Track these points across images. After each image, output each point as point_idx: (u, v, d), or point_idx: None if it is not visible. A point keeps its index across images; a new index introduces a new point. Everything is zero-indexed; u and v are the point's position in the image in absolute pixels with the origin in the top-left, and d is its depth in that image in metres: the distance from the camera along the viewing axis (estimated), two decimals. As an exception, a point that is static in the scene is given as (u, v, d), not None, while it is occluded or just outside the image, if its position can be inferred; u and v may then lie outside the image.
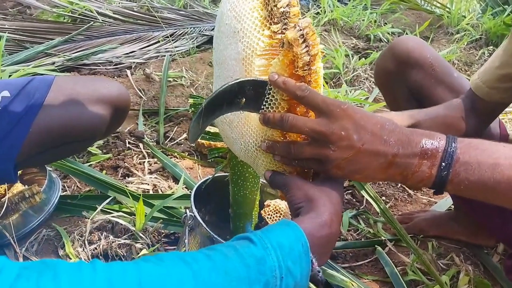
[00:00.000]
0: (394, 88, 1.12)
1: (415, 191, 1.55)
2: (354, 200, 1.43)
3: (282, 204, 0.91)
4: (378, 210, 0.97)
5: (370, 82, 2.26)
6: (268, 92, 0.60)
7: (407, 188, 1.55)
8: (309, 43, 0.56)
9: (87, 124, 0.88)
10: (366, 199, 1.45)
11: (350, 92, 2.01)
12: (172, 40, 2.35)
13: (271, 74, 0.57)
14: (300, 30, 0.56)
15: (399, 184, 1.57)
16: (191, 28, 2.50)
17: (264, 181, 0.97)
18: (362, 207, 1.40)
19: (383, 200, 1.48)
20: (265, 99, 0.60)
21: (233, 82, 0.59)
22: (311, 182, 0.59)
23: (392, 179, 0.56)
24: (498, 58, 0.91)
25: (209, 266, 0.46)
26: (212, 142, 1.37)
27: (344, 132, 0.53)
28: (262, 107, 0.60)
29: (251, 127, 0.63)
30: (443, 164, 0.52)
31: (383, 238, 1.21)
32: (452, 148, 0.53)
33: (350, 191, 1.47)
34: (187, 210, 0.81)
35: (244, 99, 0.59)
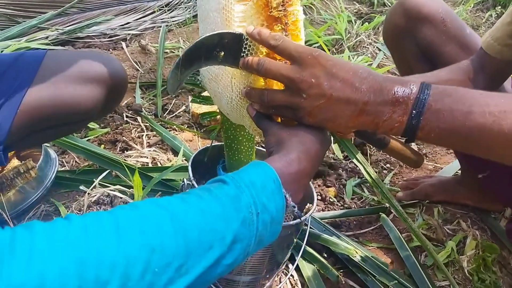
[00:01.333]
0: (403, 45, 1.07)
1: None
2: (358, 168, 1.40)
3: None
4: (368, 179, 0.94)
5: (373, 47, 2.19)
6: (246, 45, 0.60)
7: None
8: None
9: (80, 104, 0.82)
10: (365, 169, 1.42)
11: (353, 58, 1.95)
12: (168, 10, 2.28)
13: (247, 26, 0.58)
14: None
15: (404, 151, 1.54)
16: (187, -3, 2.42)
17: (258, 147, 0.95)
18: (366, 175, 1.37)
19: (387, 167, 1.45)
20: (244, 53, 0.60)
21: (211, 34, 0.58)
22: (288, 127, 0.59)
23: (364, 126, 0.55)
24: (509, 15, 0.86)
25: (185, 207, 0.46)
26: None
27: (315, 80, 0.53)
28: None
29: (235, 77, 0.64)
30: (413, 112, 0.51)
31: (387, 205, 1.19)
32: (425, 96, 0.51)
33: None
34: (185, 179, 0.79)
35: (222, 53, 0.59)
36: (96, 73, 0.85)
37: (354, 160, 0.95)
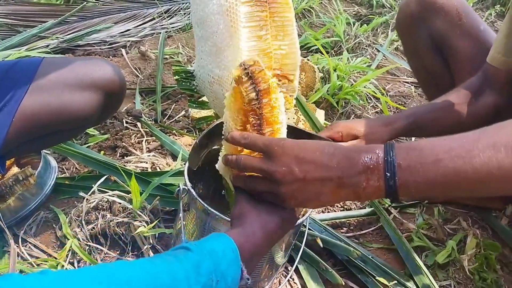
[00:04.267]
0: (416, 35, 1.08)
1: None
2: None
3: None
4: None
5: (372, 48, 2.19)
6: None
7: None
8: (256, 80, 0.60)
9: (77, 111, 0.82)
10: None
11: (352, 59, 1.95)
12: (168, 16, 2.30)
13: (224, 134, 0.66)
14: (245, 68, 0.60)
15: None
16: (186, 3, 2.43)
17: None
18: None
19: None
20: None
21: (220, 122, 0.69)
22: (254, 201, 0.63)
23: (346, 199, 0.58)
24: (505, 25, 0.87)
25: (152, 269, 0.48)
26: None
27: (286, 168, 0.56)
28: None
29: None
30: (387, 174, 0.52)
31: (386, 204, 1.19)
32: (392, 157, 0.52)
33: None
34: (180, 184, 0.79)
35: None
36: (93, 79, 0.85)
37: None
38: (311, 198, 0.56)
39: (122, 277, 0.45)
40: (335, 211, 1.21)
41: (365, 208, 1.22)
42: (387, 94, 1.85)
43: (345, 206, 1.23)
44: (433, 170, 0.51)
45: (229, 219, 0.76)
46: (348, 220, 1.17)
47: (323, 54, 1.82)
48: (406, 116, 0.92)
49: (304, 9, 2.48)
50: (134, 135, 1.45)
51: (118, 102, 0.96)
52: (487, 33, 1.01)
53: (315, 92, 1.65)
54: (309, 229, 1.00)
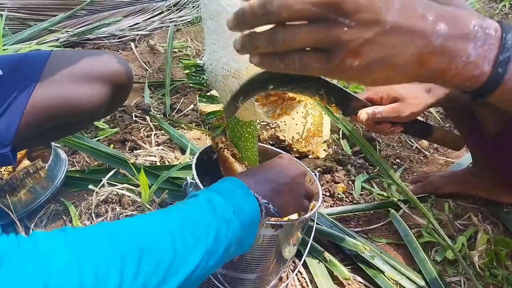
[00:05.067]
0: None
1: (431, 151, 1.49)
2: (367, 164, 1.39)
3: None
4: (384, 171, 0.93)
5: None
6: None
7: (422, 150, 1.50)
8: None
9: (86, 103, 0.83)
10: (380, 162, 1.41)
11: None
12: (176, 10, 2.29)
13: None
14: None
15: (414, 146, 1.52)
16: (195, -4, 2.43)
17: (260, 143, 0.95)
18: (375, 170, 1.36)
19: (397, 162, 1.43)
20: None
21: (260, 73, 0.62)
22: None
23: (430, 77, 0.39)
24: None
25: (165, 214, 0.50)
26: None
27: (365, 0, 0.35)
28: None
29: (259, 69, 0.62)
30: (500, 57, 0.38)
31: (395, 199, 1.18)
32: (510, 37, 0.38)
33: (362, 154, 1.42)
34: (188, 178, 0.79)
35: (271, 86, 0.63)
36: (101, 72, 0.85)
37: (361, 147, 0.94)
38: (383, 60, 0.37)
39: (138, 231, 0.45)
40: (343, 205, 1.20)
41: (374, 201, 1.21)
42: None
43: (354, 201, 1.22)
44: None
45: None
46: (356, 214, 1.17)
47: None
48: None
49: None
50: (143, 128, 1.45)
51: (126, 94, 0.96)
52: None
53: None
54: (317, 223, 1.00)
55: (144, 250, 0.43)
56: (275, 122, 1.41)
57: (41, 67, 0.81)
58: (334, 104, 0.73)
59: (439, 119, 1.67)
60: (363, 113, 0.79)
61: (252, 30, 0.39)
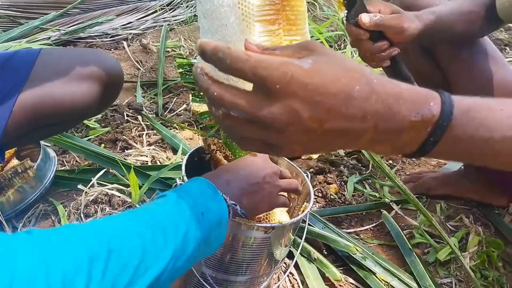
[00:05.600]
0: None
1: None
2: (360, 165, 1.39)
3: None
4: (379, 168, 0.93)
5: (376, 43, 2.17)
6: None
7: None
8: None
9: (76, 102, 0.82)
10: (372, 164, 1.40)
11: (355, 53, 1.93)
12: (170, 9, 2.28)
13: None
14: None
15: (407, 147, 1.52)
16: (189, -5, 2.42)
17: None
18: (367, 171, 1.36)
19: (390, 163, 1.43)
20: None
21: None
22: None
23: (364, 149, 0.48)
24: None
25: (134, 214, 0.50)
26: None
27: (292, 117, 0.37)
28: None
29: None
30: (431, 139, 0.41)
31: (387, 200, 1.18)
32: (446, 122, 0.41)
33: (355, 155, 1.42)
34: (177, 179, 0.78)
35: None
36: (91, 70, 0.84)
37: (366, 153, 0.94)
38: (321, 149, 0.41)
39: (106, 232, 0.45)
40: (335, 206, 1.20)
41: (366, 203, 1.21)
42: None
43: (346, 202, 1.22)
44: (478, 147, 0.43)
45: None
46: (348, 215, 1.17)
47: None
48: (431, 12, 0.89)
49: (308, 2, 2.45)
50: (135, 128, 1.44)
51: (116, 93, 0.96)
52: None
53: (318, 86, 1.63)
54: (309, 224, 0.99)
55: (112, 250, 0.42)
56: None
57: (30, 65, 0.80)
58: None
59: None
60: (365, 16, 0.80)
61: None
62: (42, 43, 1.77)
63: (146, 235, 0.46)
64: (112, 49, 1.90)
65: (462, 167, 1.26)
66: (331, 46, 2.07)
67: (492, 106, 0.44)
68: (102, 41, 1.94)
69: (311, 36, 2.05)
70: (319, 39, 1.93)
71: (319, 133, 0.39)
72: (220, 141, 0.86)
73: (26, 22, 1.96)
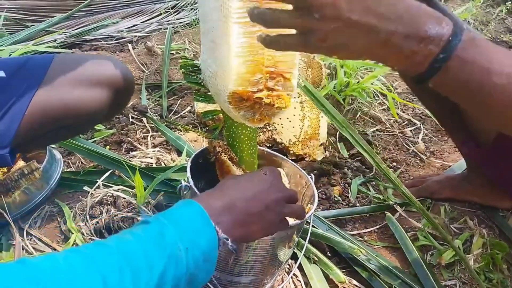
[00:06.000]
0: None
1: (427, 155, 1.49)
2: (364, 167, 1.39)
3: (280, 173, 0.88)
4: (383, 174, 0.93)
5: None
6: None
7: (419, 153, 1.50)
8: None
9: (87, 107, 0.84)
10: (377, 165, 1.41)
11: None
12: (174, 12, 2.30)
13: None
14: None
15: (411, 149, 1.52)
16: (193, -2, 2.43)
17: (261, 147, 0.94)
18: (371, 173, 1.36)
19: (394, 165, 1.43)
20: None
21: None
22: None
23: (379, 59, 0.50)
24: None
25: (103, 250, 0.44)
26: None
27: (331, 1, 0.45)
28: None
29: (230, 72, 0.65)
30: (440, 55, 0.46)
31: (391, 202, 1.18)
32: (456, 41, 0.46)
33: (359, 157, 1.42)
34: (182, 181, 0.79)
35: None
36: (102, 76, 0.86)
37: (359, 149, 0.94)
38: (342, 45, 0.47)
39: (67, 273, 0.41)
40: (339, 208, 1.20)
41: (370, 204, 1.21)
42: (394, 91, 1.83)
43: (350, 204, 1.22)
44: (477, 74, 0.48)
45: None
46: (352, 217, 1.17)
47: None
48: None
49: None
50: (140, 130, 1.45)
51: (126, 99, 0.98)
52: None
53: (322, 88, 1.64)
54: (313, 226, 1.00)
55: None
56: (272, 124, 1.41)
57: (44, 70, 0.82)
58: None
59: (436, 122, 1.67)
60: None
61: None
62: (48, 46, 1.78)
63: (113, 279, 0.41)
64: (117, 52, 1.91)
65: (465, 170, 1.26)
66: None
67: (496, 45, 0.50)
68: (107, 43, 1.96)
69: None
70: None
71: (349, 24, 0.45)
72: (225, 143, 0.87)
73: (32, 25, 1.97)
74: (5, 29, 1.89)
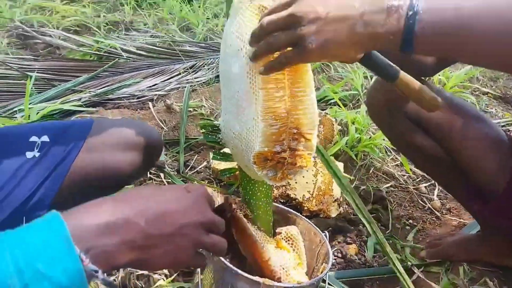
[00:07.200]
0: (394, 122, 1.09)
1: (443, 212, 1.48)
2: (380, 224, 1.38)
3: (294, 231, 0.89)
4: (370, 233, 0.92)
5: (391, 102, 2.22)
6: None
7: (435, 210, 1.49)
8: None
9: (123, 169, 0.89)
10: (393, 223, 1.40)
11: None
12: (192, 71, 2.42)
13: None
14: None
15: (426, 206, 1.51)
16: (210, 59, 2.56)
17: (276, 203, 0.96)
18: (388, 231, 1.35)
19: (410, 223, 1.42)
20: None
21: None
22: None
23: (365, 42, 0.57)
24: None
25: None
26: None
27: (309, 7, 0.57)
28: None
29: (256, 134, 0.68)
30: (409, 13, 0.54)
31: (409, 263, 1.16)
32: (418, 2, 0.54)
33: (374, 214, 1.42)
34: (200, 238, 0.80)
35: None
36: (136, 140, 0.92)
37: (361, 218, 0.95)
38: (329, 41, 0.56)
39: None
40: (356, 267, 1.18)
41: (387, 265, 1.19)
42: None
43: (367, 263, 1.20)
44: (452, 14, 0.54)
45: (248, 276, 0.76)
46: (370, 278, 1.15)
47: (340, 107, 1.86)
48: None
49: (322, 63, 2.57)
50: (158, 185, 1.49)
51: (155, 160, 1.02)
52: (455, 98, 1.03)
53: (334, 144, 1.67)
54: (329, 284, 0.98)
55: None
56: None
57: (84, 135, 0.88)
58: None
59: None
60: None
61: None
62: (73, 105, 1.88)
63: None
64: (138, 110, 2.00)
65: (479, 231, 1.24)
66: (345, 105, 2.14)
67: None
68: (129, 102, 2.05)
69: (326, 96, 2.13)
70: (333, 99, 2.00)
71: (327, 21, 0.56)
72: (240, 199, 0.89)
73: (59, 84, 2.09)
74: (34, 88, 2.01)
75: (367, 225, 0.97)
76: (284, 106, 0.68)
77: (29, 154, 0.82)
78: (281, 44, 0.60)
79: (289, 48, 0.60)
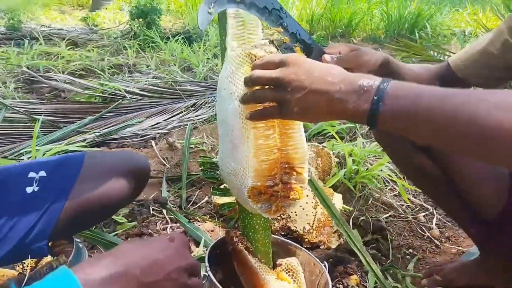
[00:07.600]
0: (393, 143, 1.14)
1: (442, 240, 1.49)
2: (380, 254, 1.40)
3: (294, 262, 0.91)
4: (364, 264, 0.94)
5: (387, 134, 2.28)
6: None
7: (434, 239, 1.50)
8: None
9: (116, 196, 0.94)
10: (393, 253, 1.41)
11: (366, 144, 2.03)
12: (193, 109, 2.50)
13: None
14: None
15: (426, 235, 1.53)
16: (211, 97, 2.65)
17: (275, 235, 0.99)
18: (388, 261, 1.36)
19: (410, 252, 1.43)
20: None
21: None
22: None
23: (337, 113, 0.65)
24: (480, 44, 1.09)
25: None
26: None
27: (295, 76, 0.65)
28: None
29: (249, 170, 0.73)
30: (375, 97, 0.61)
31: (409, 292, 1.17)
32: (385, 85, 0.62)
33: (374, 244, 1.44)
34: (201, 270, 0.83)
35: None
36: (126, 169, 0.97)
37: (355, 250, 0.97)
38: (308, 109, 0.65)
39: None
40: (357, 298, 1.19)
41: (388, 295, 1.20)
42: (404, 177, 1.89)
43: (368, 293, 1.21)
44: (411, 103, 0.59)
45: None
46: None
47: (338, 140, 1.92)
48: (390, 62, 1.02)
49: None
50: (160, 221, 1.51)
51: (143, 187, 1.08)
52: None
53: (332, 176, 1.71)
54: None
55: None
56: (286, 213, 1.46)
57: (79, 167, 0.93)
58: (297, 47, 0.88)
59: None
60: (327, 57, 0.92)
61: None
62: (78, 145, 1.94)
63: None
64: (141, 148, 2.06)
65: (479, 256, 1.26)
66: (343, 138, 2.19)
67: (415, 84, 0.62)
68: (132, 141, 2.12)
69: (323, 130, 2.19)
70: (330, 132, 2.06)
71: (309, 92, 0.64)
72: (240, 232, 0.92)
73: (65, 126, 2.17)
74: (40, 130, 2.08)
75: (359, 255, 0.99)
76: (275, 143, 0.74)
77: (29, 189, 0.88)
78: (267, 100, 0.70)
79: (272, 104, 0.70)
